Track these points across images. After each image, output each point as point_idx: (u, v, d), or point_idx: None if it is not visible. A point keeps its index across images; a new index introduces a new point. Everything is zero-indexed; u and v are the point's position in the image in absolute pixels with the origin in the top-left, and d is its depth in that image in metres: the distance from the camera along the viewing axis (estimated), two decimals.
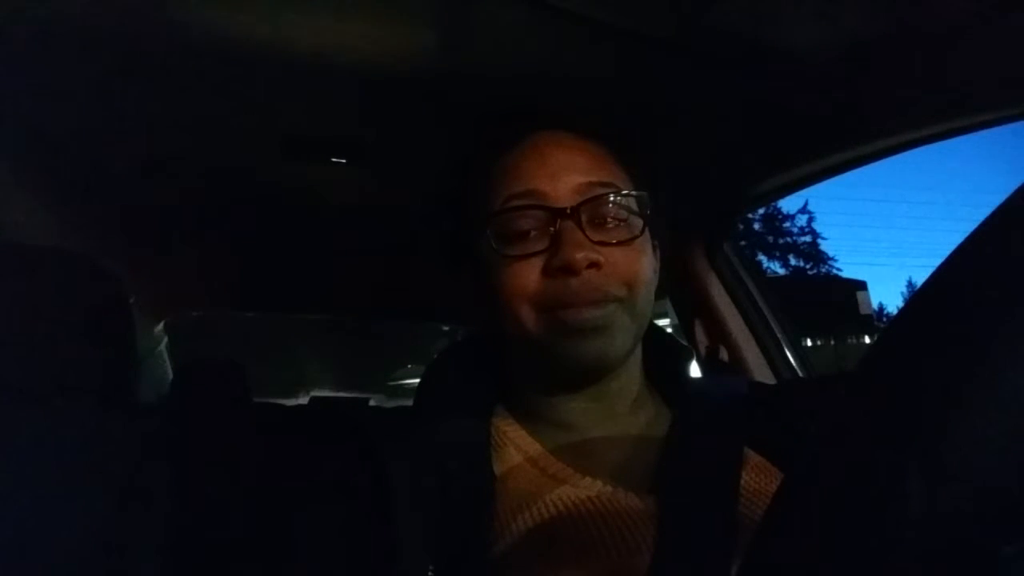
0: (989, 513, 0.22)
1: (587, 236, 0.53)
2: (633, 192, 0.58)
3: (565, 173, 0.55)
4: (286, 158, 0.92)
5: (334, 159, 0.93)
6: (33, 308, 0.71)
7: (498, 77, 0.70)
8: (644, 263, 0.56)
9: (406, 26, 0.62)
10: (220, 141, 0.90)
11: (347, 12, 0.60)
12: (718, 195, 1.09)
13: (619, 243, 0.54)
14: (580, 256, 0.51)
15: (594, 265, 0.52)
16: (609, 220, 0.55)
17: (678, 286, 1.30)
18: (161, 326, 1.74)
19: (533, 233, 0.54)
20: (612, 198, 0.55)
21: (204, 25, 0.62)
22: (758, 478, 0.53)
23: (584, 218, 0.53)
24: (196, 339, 1.95)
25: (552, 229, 0.53)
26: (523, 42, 0.64)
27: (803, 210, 22.60)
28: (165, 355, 1.85)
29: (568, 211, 0.53)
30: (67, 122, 0.85)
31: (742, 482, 0.52)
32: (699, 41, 0.64)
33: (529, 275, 0.53)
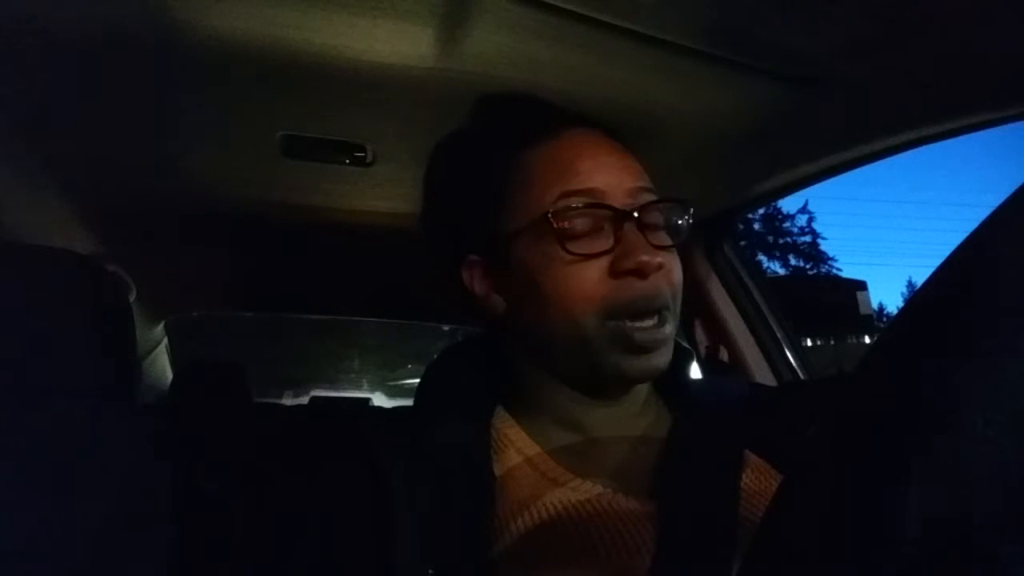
0: (989, 513, 0.22)
1: (647, 240, 0.53)
2: (679, 200, 0.59)
3: (620, 174, 0.55)
4: (286, 158, 0.92)
5: (334, 159, 0.93)
6: (33, 308, 0.71)
7: (499, 76, 0.70)
8: (681, 271, 0.57)
9: (406, 26, 0.62)
10: (220, 141, 0.90)
11: (347, 12, 0.60)
12: (718, 195, 1.09)
13: (668, 248, 0.55)
14: (650, 259, 0.51)
15: (659, 268, 0.52)
16: (660, 225, 0.56)
17: None
18: (161, 326, 1.75)
19: (592, 233, 0.53)
20: (664, 205, 0.57)
21: (204, 25, 0.62)
22: (757, 480, 0.53)
23: (644, 222, 0.54)
24: (196, 339, 1.95)
25: (615, 230, 0.53)
26: (524, 41, 0.64)
27: (803, 210, 22.68)
28: (165, 355, 1.85)
29: (634, 213, 0.53)
30: (67, 122, 0.85)
31: (742, 484, 0.52)
32: (699, 41, 0.64)
33: (593, 276, 0.52)
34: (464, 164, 0.64)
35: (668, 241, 0.56)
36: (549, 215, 0.53)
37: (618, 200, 0.54)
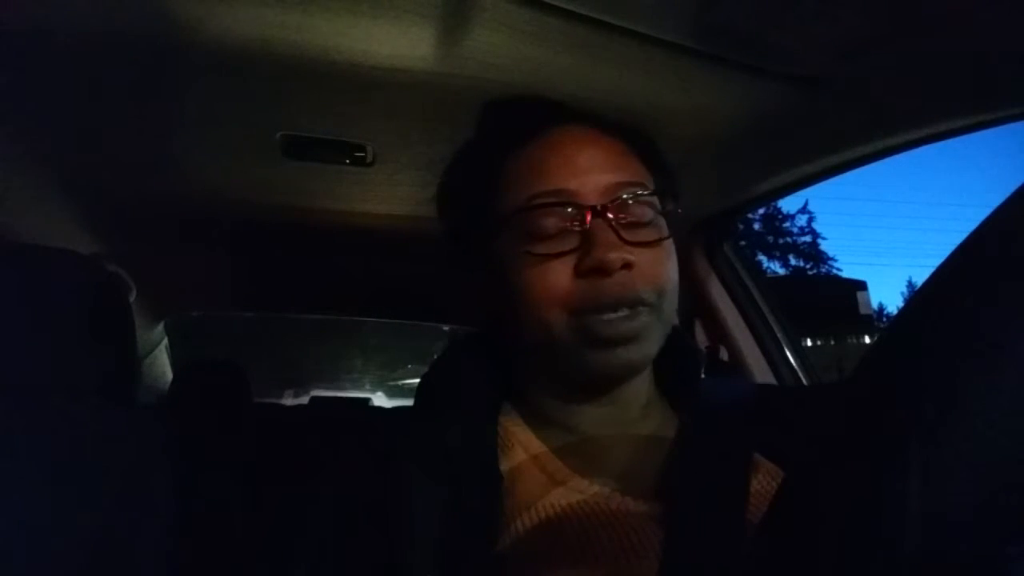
0: (989, 513, 0.22)
1: (619, 236, 0.51)
2: (660, 191, 0.56)
3: (593, 172, 0.53)
4: (286, 158, 0.92)
5: (334, 160, 0.93)
6: (33, 308, 0.71)
7: (499, 77, 0.70)
8: (671, 266, 0.55)
9: (406, 26, 0.62)
10: (220, 141, 0.90)
11: (347, 12, 0.60)
12: (718, 195, 1.09)
13: (649, 244, 0.53)
14: (614, 256, 0.50)
15: (627, 266, 0.50)
16: (638, 220, 0.54)
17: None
18: (161, 326, 1.74)
19: (561, 232, 0.52)
20: (642, 197, 0.54)
21: (204, 26, 0.62)
22: (768, 483, 0.52)
23: (615, 217, 0.52)
24: (196, 339, 1.95)
25: (581, 229, 0.52)
26: (524, 41, 0.64)
27: (803, 210, 22.64)
28: (165, 355, 1.85)
29: (599, 209, 0.52)
30: (67, 122, 0.85)
31: (751, 487, 0.51)
32: (699, 41, 0.64)
33: (559, 275, 0.51)
34: (464, 168, 0.64)
35: (651, 236, 0.53)
36: (517, 215, 0.53)
37: (588, 197, 0.52)
